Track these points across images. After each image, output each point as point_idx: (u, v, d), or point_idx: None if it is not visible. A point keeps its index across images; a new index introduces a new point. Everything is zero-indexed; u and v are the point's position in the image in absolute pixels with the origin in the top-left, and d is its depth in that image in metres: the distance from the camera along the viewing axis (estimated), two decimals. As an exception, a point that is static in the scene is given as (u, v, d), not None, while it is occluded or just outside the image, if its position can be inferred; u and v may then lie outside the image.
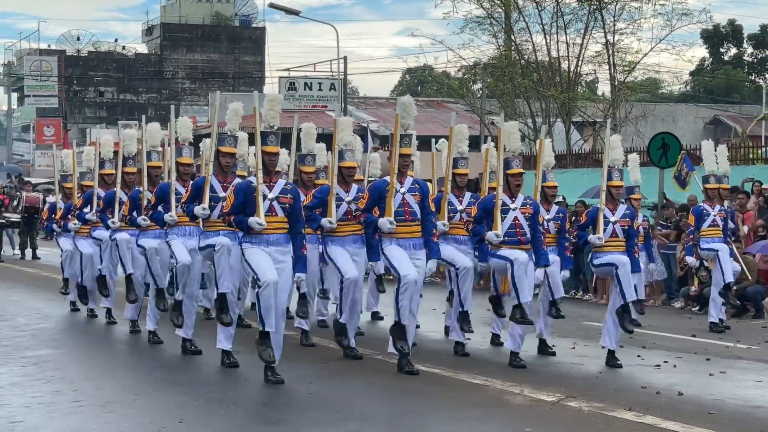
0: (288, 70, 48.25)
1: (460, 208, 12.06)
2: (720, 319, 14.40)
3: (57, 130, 59.79)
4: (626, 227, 11.57)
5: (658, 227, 18.14)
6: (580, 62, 34.49)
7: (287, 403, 9.29)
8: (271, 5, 39.67)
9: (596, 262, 11.63)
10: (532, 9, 34.45)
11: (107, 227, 13.43)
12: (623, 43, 34.49)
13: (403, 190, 10.73)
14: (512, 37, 34.62)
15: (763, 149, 27.54)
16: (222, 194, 10.82)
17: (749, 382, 10.66)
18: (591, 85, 42.84)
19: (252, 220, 9.89)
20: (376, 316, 14.80)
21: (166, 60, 75.05)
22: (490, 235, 11.00)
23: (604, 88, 39.17)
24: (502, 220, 11.03)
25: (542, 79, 34.20)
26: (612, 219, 11.52)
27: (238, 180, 10.91)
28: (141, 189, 12.55)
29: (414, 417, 8.94)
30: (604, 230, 11.42)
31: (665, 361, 11.01)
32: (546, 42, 34.31)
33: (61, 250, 16.05)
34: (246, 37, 77.06)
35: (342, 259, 11.34)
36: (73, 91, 72.92)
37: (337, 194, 11.45)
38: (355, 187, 11.68)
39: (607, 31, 33.96)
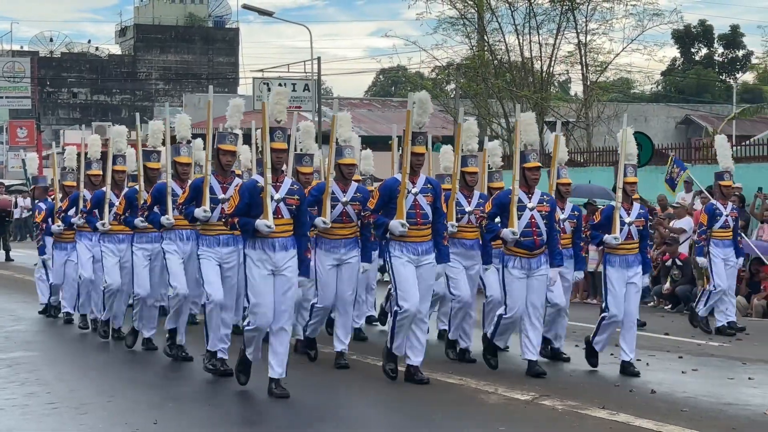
0: (262, 71, 48.35)
1: (468, 209, 11.46)
2: (729, 322, 14.03)
3: (30, 131, 59.38)
4: (641, 227, 11.07)
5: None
6: (552, 62, 34.61)
7: (264, 404, 9.27)
8: (245, 6, 39.63)
9: (612, 275, 10.94)
10: (504, 9, 34.54)
11: (95, 229, 12.88)
12: (595, 44, 34.69)
13: (415, 190, 10.14)
14: (485, 38, 34.68)
15: (734, 148, 27.66)
16: (221, 195, 10.37)
17: (722, 380, 10.74)
18: (564, 85, 42.97)
19: (260, 222, 9.19)
20: (370, 320, 14.18)
21: (139, 61, 74.80)
22: (506, 232, 10.37)
23: (576, 88, 39.37)
24: (518, 218, 10.41)
25: (515, 80, 34.27)
26: (627, 219, 10.99)
27: (238, 180, 10.54)
28: (138, 188, 11.94)
29: (388, 416, 8.98)
30: (620, 231, 10.89)
31: (638, 359, 11.00)
32: (519, 42, 34.37)
33: (43, 265, 15.55)
34: (220, 38, 76.92)
35: (324, 280, 10.91)
36: (46, 93, 72.56)
37: (333, 193, 10.87)
38: (353, 186, 11.08)
39: (579, 31, 34.11)
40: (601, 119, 33.45)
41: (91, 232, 13.31)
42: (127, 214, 11.88)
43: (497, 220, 10.61)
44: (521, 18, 34.26)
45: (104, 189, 12.75)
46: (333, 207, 10.83)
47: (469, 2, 34.30)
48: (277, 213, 9.32)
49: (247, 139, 12.58)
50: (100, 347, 12.80)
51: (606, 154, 28.57)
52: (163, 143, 12.06)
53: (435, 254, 10.24)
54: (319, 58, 37.49)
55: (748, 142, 28.85)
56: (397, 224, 9.95)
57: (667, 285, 16.97)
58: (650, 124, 45.05)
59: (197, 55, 75.42)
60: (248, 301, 9.47)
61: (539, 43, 34.40)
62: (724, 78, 63.89)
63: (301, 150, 11.94)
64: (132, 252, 11.95)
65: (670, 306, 16.87)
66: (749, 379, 10.69)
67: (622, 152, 11.11)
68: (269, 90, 41.51)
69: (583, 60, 34.26)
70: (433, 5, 34.39)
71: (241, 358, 9.62)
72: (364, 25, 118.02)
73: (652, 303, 17.48)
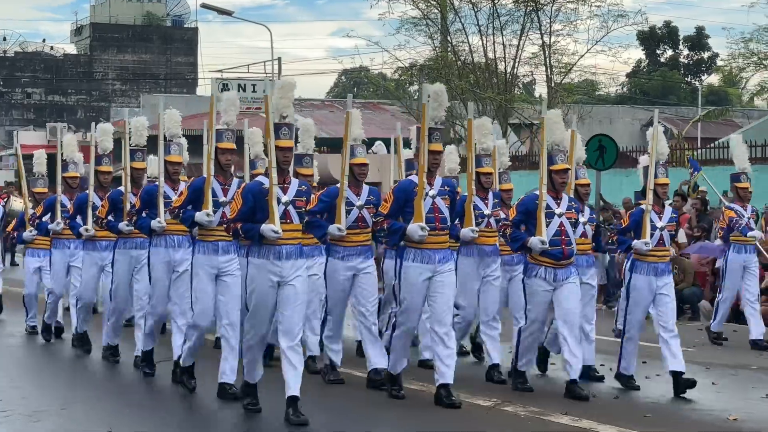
0: (221, 71, 48.03)
1: (487, 212, 10.85)
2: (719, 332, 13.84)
3: (-17, 132, 58.93)
4: (673, 232, 10.53)
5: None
6: (516, 64, 34.64)
7: (220, 411, 9.24)
8: (204, 5, 39.52)
9: (637, 283, 10.33)
10: (468, 10, 34.49)
11: (79, 236, 12.23)
12: (560, 45, 34.73)
13: (432, 192, 9.41)
14: (448, 39, 34.70)
15: (700, 151, 27.91)
16: (222, 198, 9.60)
17: (685, 385, 10.79)
18: (528, 86, 43.08)
19: (266, 227, 8.50)
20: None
21: (96, 60, 74.25)
22: (534, 241, 9.69)
23: (541, 90, 39.49)
24: (547, 225, 9.73)
25: (479, 81, 34.32)
26: (659, 224, 10.28)
27: (237, 181, 9.78)
28: (123, 189, 11.23)
29: (351, 421, 8.97)
30: (651, 235, 10.20)
31: (601, 365, 11.04)
32: (482, 43, 34.38)
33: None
34: (178, 37, 76.49)
35: (331, 291, 10.36)
36: (-1, 93, 71.99)
37: (347, 198, 10.09)
38: (366, 189, 10.35)
39: (543, 32, 34.16)
40: (566, 121, 33.53)
41: (69, 239, 12.85)
42: (110, 218, 11.28)
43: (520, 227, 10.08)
44: (485, 19, 34.29)
45: (87, 192, 12.12)
46: (348, 212, 10.11)
47: (432, 2, 34.31)
48: (286, 217, 8.68)
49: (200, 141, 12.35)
50: (55, 354, 12.72)
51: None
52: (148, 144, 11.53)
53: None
54: (279, 59, 37.60)
55: (712, 145, 29.11)
56: (416, 228, 9.25)
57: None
58: (615, 127, 45.24)
59: (155, 55, 74.95)
60: (247, 310, 8.92)
61: (503, 44, 34.46)
62: (689, 80, 64.32)
63: (306, 150, 11.12)
64: (114, 258, 11.42)
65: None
66: (713, 384, 10.78)
67: (653, 151, 10.38)
68: (228, 90, 41.16)
69: (548, 61, 34.34)
70: (395, 5, 34.37)
71: (243, 381, 9.07)
72: (326, 24, 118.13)
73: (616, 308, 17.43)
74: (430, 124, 9.50)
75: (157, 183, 10.66)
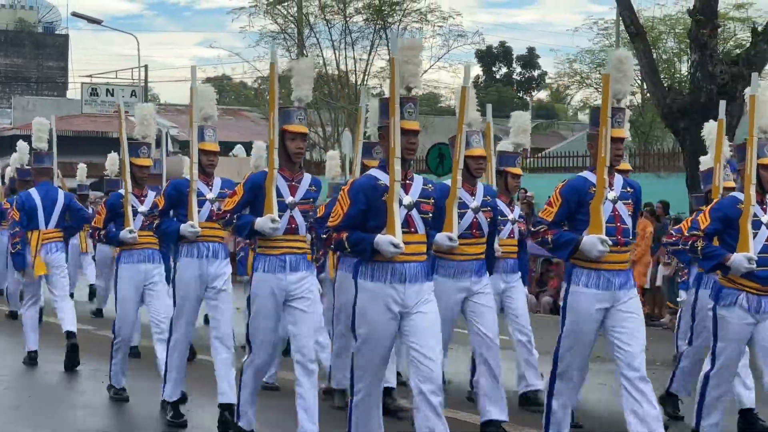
0: (90, 76, 46.93)
1: (511, 216, 8.53)
2: None
3: None
4: None
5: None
6: (366, 76, 34.88)
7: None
8: (74, 14, 38.83)
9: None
10: (322, 26, 34.57)
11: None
12: (406, 60, 35.05)
13: (613, 195, 6.49)
14: (304, 52, 34.69)
15: (529, 160, 28.50)
16: (291, 198, 6.83)
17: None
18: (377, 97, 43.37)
19: (382, 239, 5.84)
20: None
21: (-32, 63, 71.86)
22: (738, 259, 6.47)
23: (388, 101, 39.72)
24: (754, 236, 6.56)
25: (332, 92, 34.37)
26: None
27: (308, 176, 7.11)
28: (122, 192, 8.86)
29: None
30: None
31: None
32: (335, 57, 34.51)
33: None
34: (50, 43, 74.51)
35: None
36: None
37: (460, 198, 7.40)
38: (480, 187, 7.90)
39: (390, 48, 34.39)
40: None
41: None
42: (110, 227, 8.91)
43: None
44: (338, 34, 34.42)
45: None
46: (460, 216, 7.42)
47: (290, 18, 34.29)
48: (408, 225, 6.01)
49: (71, 141, 11.96)
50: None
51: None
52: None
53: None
54: (146, 66, 36.92)
55: (541, 155, 29.76)
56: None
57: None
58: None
59: (27, 60, 72.83)
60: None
61: (354, 58, 34.67)
62: (521, 95, 65.60)
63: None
64: (117, 276, 8.86)
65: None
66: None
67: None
68: (97, 95, 39.70)
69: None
70: (255, 19, 34.21)
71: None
72: (191, 35, 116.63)
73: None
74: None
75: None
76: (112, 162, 14.99)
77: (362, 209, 5.95)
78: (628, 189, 6.63)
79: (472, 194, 7.64)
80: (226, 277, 7.95)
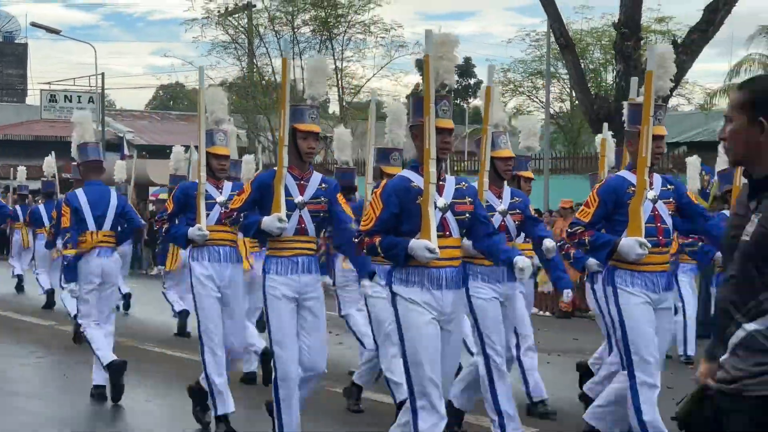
0: (49, 83, 46.35)
1: (500, 208, 7.16)
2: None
3: None
4: None
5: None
6: (313, 84, 34.87)
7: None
8: (33, 24, 38.32)
9: None
10: (271, 36, 34.54)
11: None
12: (350, 69, 35.20)
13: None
14: (254, 61, 34.64)
15: (466, 162, 28.71)
16: (300, 198, 6.30)
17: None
18: (323, 104, 43.33)
19: (417, 244, 5.23)
20: None
21: (-70, 70, 70.50)
22: (629, 243, 5.98)
23: (334, 108, 39.67)
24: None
25: (281, 98, 34.34)
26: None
27: (318, 175, 6.60)
28: (194, 182, 7.62)
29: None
30: None
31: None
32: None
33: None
34: (9, 52, 73.29)
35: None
36: None
37: (487, 201, 6.84)
38: (507, 191, 7.23)
39: (336, 58, 34.51)
40: (355, 135, 33.96)
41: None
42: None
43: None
44: (286, 44, 34.40)
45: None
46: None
47: (240, 29, 34.22)
48: (443, 228, 5.44)
49: (32, 145, 11.75)
50: None
51: (360, 165, 28.95)
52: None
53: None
54: (102, 74, 36.49)
55: (476, 158, 29.96)
56: (632, 243, 5.90)
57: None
58: (396, 140, 45.96)
59: (-13, 67, 71.74)
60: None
61: (302, 66, 34.60)
62: (458, 102, 65.90)
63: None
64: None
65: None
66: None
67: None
68: (55, 101, 39.29)
69: (340, 83, 34.72)
70: (207, 30, 34.08)
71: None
72: (146, 45, 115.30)
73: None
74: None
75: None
76: (48, 165, 15.27)
77: (395, 212, 5.39)
78: (669, 187, 6.13)
79: (499, 197, 7.03)
80: (239, 281, 7.45)
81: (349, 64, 34.98)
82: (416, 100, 5.56)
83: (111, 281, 8.74)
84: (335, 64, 34.52)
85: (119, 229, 8.88)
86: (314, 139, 6.27)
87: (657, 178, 6.11)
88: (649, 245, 5.84)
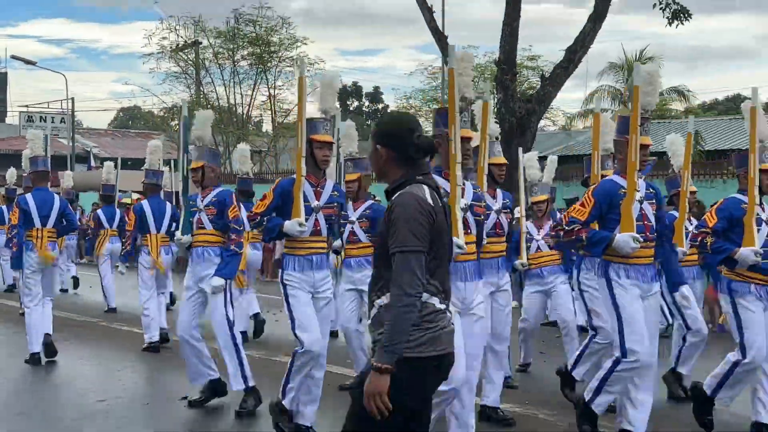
0: (27, 106, 45.23)
1: (496, 207, 6.69)
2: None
3: None
4: None
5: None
6: (250, 108, 34.98)
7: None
8: (13, 56, 37.59)
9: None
10: (215, 68, 34.40)
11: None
12: (282, 96, 35.23)
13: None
14: (201, 88, 34.41)
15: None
16: (316, 203, 5.91)
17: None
18: (258, 124, 43.01)
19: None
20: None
21: None
22: (745, 252, 5.78)
23: (267, 127, 39.55)
24: (757, 232, 5.90)
25: (223, 119, 34.07)
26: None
27: (330, 182, 6.10)
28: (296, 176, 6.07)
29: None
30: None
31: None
32: (226, 92, 34.42)
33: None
34: (-9, 79, 71.18)
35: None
36: None
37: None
38: (500, 193, 6.77)
39: (270, 86, 34.57)
40: (286, 150, 34.12)
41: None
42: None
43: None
44: (228, 75, 34.37)
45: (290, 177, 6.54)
46: (486, 218, 6.14)
47: (189, 62, 34.06)
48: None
49: (11, 158, 11.35)
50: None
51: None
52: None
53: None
54: (72, 99, 35.91)
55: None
56: (627, 239, 5.55)
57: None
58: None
59: (-28, 92, 69.38)
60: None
61: (241, 93, 34.63)
62: (369, 124, 66.10)
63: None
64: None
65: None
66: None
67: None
68: (32, 122, 38.08)
69: (273, 107, 34.79)
70: (162, 62, 33.88)
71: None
72: (109, 74, 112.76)
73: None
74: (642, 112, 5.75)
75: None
76: (11, 175, 15.19)
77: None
78: (651, 190, 5.80)
79: (494, 197, 6.66)
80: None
81: (280, 92, 35.01)
82: (440, 112, 5.27)
83: (50, 268, 8.89)
84: (269, 91, 34.42)
85: (61, 226, 9.08)
86: (329, 149, 5.87)
87: (642, 183, 5.73)
88: (641, 240, 5.52)
